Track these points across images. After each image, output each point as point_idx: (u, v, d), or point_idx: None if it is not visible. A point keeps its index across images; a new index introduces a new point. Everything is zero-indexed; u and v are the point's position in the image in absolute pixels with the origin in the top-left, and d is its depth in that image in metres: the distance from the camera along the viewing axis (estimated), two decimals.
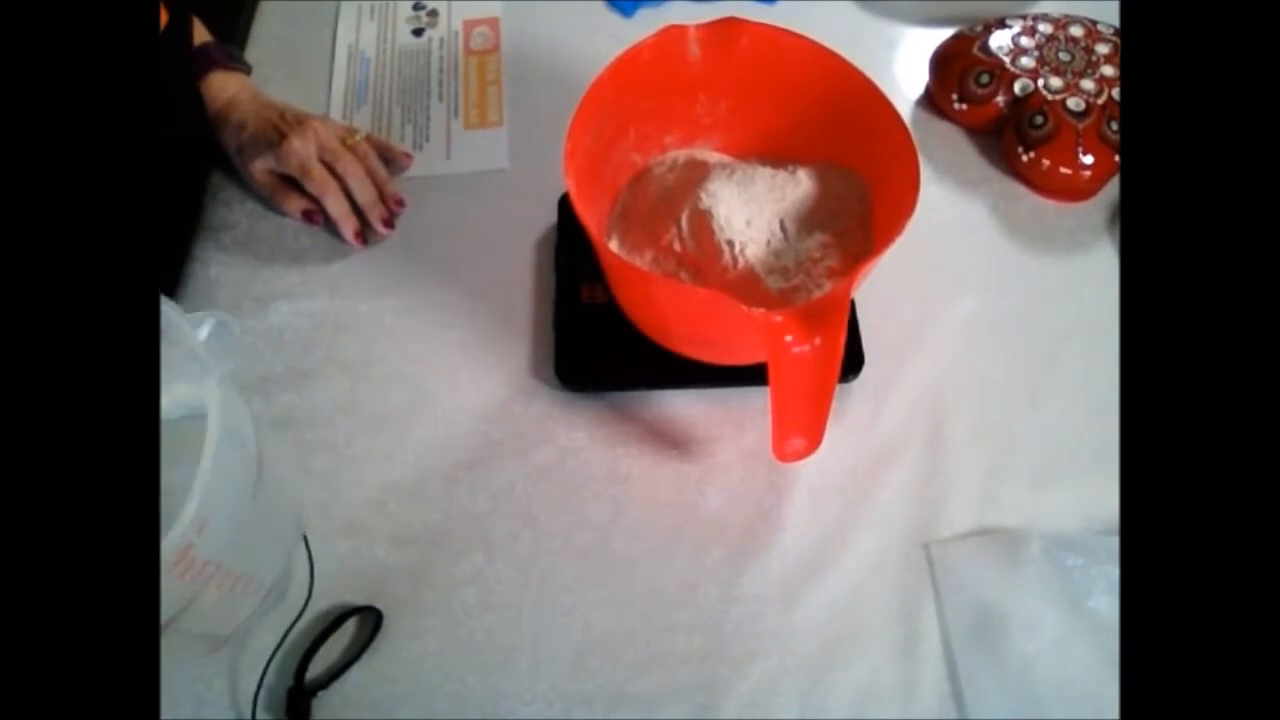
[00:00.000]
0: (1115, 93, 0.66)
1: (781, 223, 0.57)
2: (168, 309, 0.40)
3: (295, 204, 0.65)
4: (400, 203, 0.66)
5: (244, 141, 0.64)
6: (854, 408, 0.58)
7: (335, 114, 0.71)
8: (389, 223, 0.65)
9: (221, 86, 0.66)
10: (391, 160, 0.68)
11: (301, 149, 0.63)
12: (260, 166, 0.64)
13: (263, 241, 0.65)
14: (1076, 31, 0.70)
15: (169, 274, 0.63)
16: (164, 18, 0.61)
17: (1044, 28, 0.70)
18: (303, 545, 0.52)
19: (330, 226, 0.65)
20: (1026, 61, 0.68)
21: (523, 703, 0.50)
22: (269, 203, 0.66)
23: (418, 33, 0.76)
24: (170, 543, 0.37)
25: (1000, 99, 0.68)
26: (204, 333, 0.41)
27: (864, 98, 0.55)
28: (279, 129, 0.64)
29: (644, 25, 0.74)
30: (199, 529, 0.38)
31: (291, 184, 0.65)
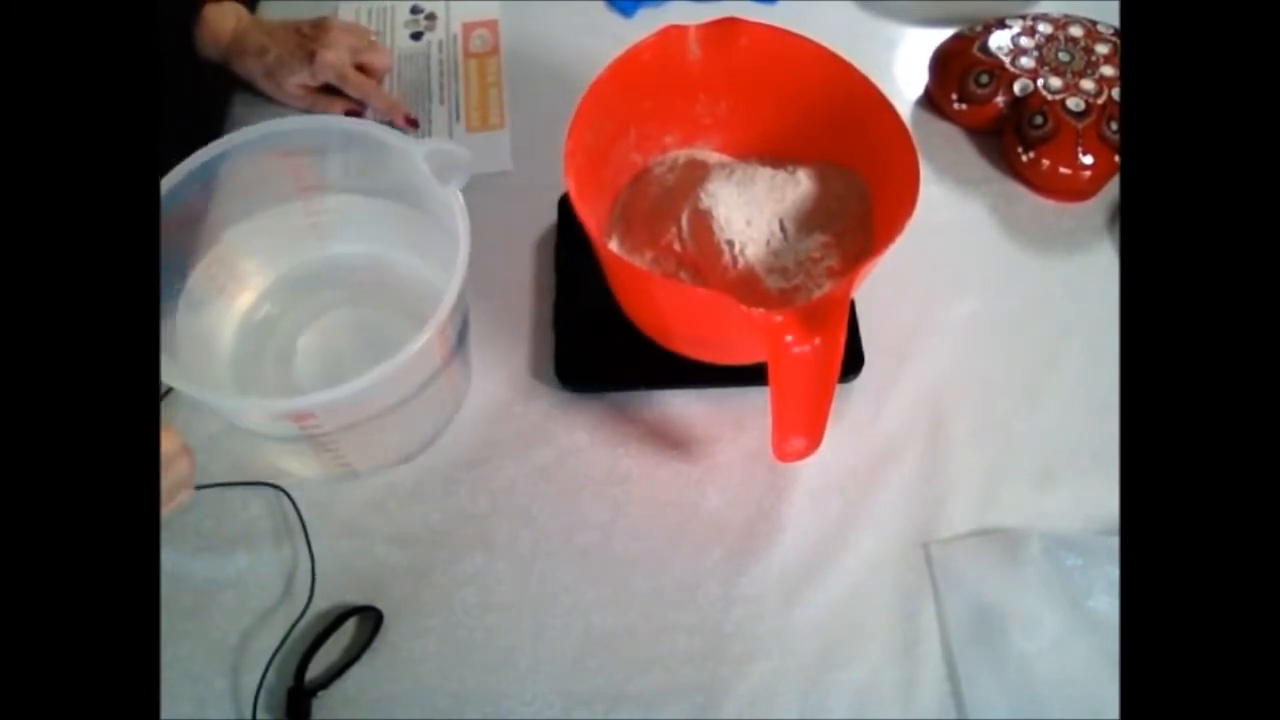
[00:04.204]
0: (1115, 93, 0.66)
1: (781, 223, 0.57)
2: (395, 138, 0.50)
3: (339, 107, 0.69)
4: (413, 121, 0.70)
5: (271, 65, 0.67)
6: (854, 408, 0.58)
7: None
8: (413, 122, 0.70)
9: (220, 20, 0.68)
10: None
11: (335, 59, 0.66)
12: (295, 83, 0.67)
13: None
14: (1076, 32, 0.70)
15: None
16: None
17: (1044, 28, 0.70)
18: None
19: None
20: (1026, 61, 0.68)
21: (523, 703, 0.50)
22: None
23: (416, 36, 0.76)
24: (442, 309, 0.44)
25: (1000, 99, 0.68)
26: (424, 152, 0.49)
27: (864, 98, 0.55)
28: (303, 45, 0.67)
29: (644, 25, 0.74)
30: (450, 312, 0.45)
31: (324, 92, 0.69)
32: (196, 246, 0.52)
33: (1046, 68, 0.68)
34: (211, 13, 0.67)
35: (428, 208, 0.50)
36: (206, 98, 0.68)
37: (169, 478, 0.44)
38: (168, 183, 0.48)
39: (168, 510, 0.45)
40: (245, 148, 0.50)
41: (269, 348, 0.56)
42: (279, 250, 0.57)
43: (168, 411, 0.55)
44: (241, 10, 0.69)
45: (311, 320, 0.57)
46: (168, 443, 0.44)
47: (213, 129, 0.68)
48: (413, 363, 0.44)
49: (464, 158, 0.48)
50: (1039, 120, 0.66)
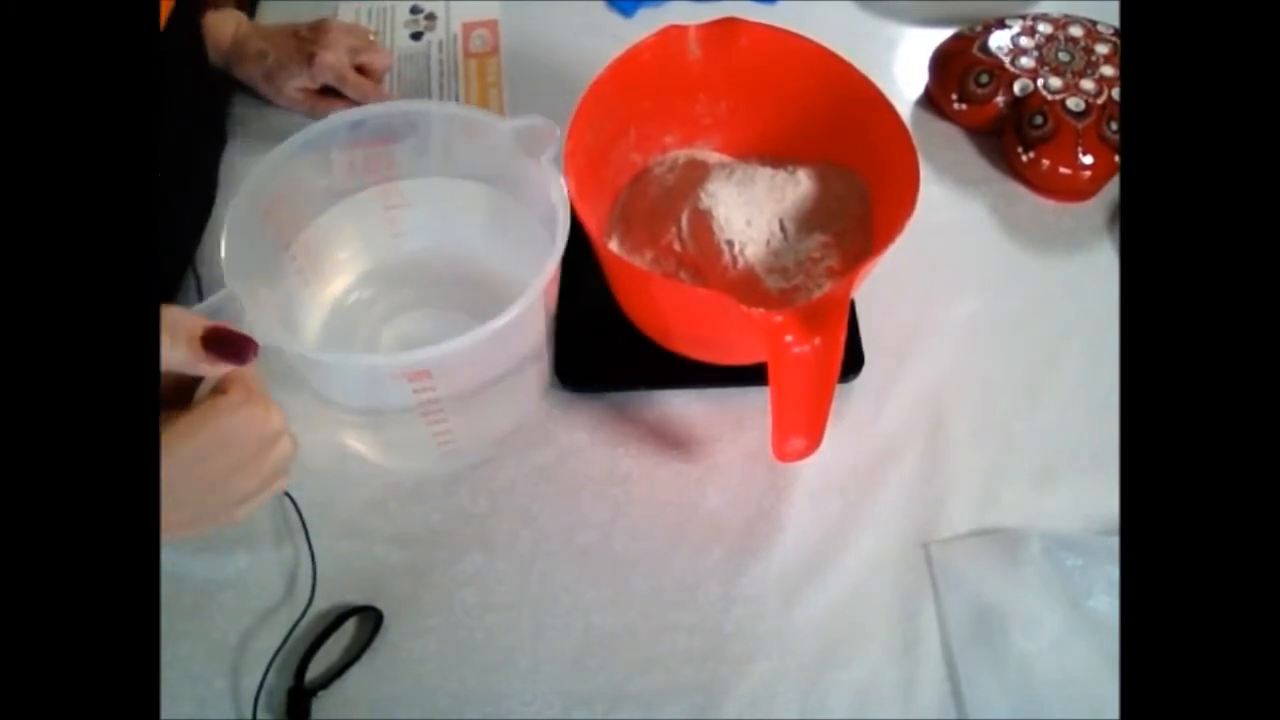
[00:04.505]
0: (1115, 93, 0.66)
1: (781, 223, 0.57)
2: (483, 116, 0.50)
3: (339, 108, 0.68)
4: None
5: (270, 68, 0.67)
6: (854, 408, 0.58)
7: None
8: None
9: (220, 26, 0.68)
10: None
11: (334, 60, 0.66)
12: (294, 86, 0.67)
13: None
14: (1076, 32, 0.70)
15: (178, 265, 0.63)
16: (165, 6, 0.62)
17: (1044, 28, 0.70)
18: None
19: None
20: (1026, 61, 0.68)
21: (523, 703, 0.50)
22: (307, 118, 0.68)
23: (416, 36, 0.76)
24: (549, 268, 0.45)
25: (1000, 99, 0.68)
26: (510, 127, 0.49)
27: (864, 98, 0.55)
28: (302, 48, 0.67)
29: (644, 25, 0.74)
30: (552, 275, 0.45)
31: (324, 93, 0.68)
32: (287, 236, 0.52)
33: (1046, 68, 0.68)
34: (211, 20, 0.67)
35: (514, 183, 0.51)
36: (207, 100, 0.68)
37: (270, 461, 0.40)
38: (257, 172, 0.48)
39: (264, 498, 0.41)
40: (323, 138, 0.50)
41: (356, 336, 0.56)
42: (367, 239, 0.57)
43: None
44: (240, 16, 0.69)
45: (393, 316, 0.58)
46: (274, 421, 0.39)
47: (214, 131, 0.68)
48: (521, 326, 0.44)
49: (552, 129, 0.48)
50: (1039, 120, 0.66)
